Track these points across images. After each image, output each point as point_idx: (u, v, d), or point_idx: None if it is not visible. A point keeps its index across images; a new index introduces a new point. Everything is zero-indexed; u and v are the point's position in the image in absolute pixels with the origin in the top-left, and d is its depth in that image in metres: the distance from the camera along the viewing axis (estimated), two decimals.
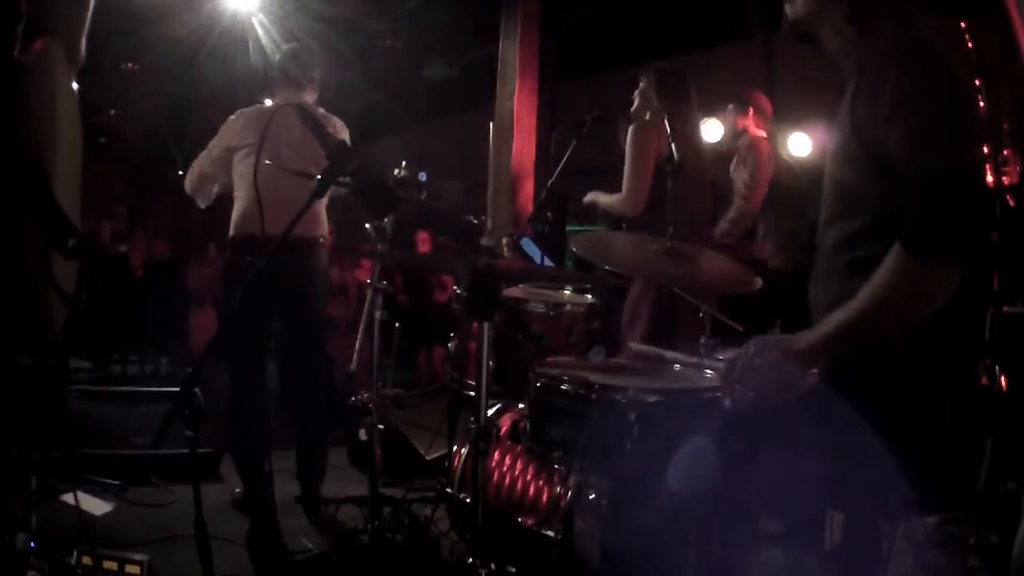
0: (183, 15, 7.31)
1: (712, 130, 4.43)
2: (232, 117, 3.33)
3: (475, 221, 3.98)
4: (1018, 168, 2.15)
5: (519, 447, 2.38)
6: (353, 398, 3.72)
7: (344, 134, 3.31)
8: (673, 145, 2.90)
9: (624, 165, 3.38)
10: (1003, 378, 1.62)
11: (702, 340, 2.39)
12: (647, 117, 3.38)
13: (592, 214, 3.97)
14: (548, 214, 4.42)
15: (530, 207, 5.79)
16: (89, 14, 1.88)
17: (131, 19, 7.03)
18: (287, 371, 3.45)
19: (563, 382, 2.11)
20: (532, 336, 2.74)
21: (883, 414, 1.37)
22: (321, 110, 3.39)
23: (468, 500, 2.39)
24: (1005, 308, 1.78)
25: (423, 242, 7.19)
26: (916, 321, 1.40)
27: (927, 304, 1.39)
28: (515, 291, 2.88)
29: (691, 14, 7.77)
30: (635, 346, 2.26)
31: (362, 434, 3.63)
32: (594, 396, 2.03)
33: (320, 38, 7.31)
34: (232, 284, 3.32)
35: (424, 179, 6.23)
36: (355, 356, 3.40)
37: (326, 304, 3.51)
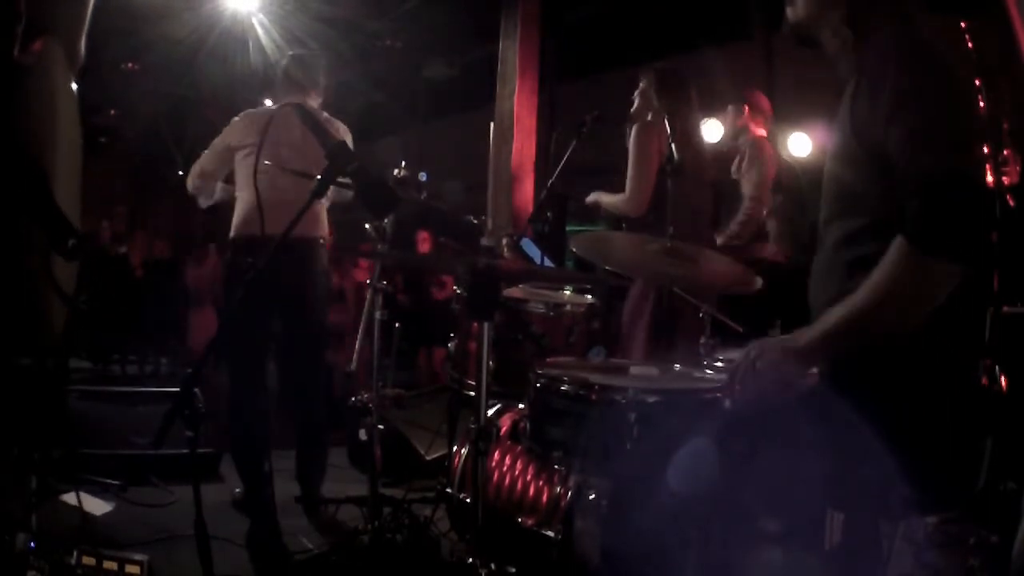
0: (183, 15, 7.31)
1: (712, 130, 4.42)
2: (236, 118, 3.34)
3: (475, 221, 3.98)
4: (1018, 168, 2.15)
5: (519, 447, 2.38)
6: (353, 398, 3.72)
7: (347, 139, 3.30)
8: (673, 145, 2.90)
9: (627, 166, 3.38)
10: (1003, 378, 1.62)
11: (702, 340, 2.40)
12: (648, 117, 3.38)
13: (595, 214, 3.97)
14: (548, 214, 4.41)
15: (530, 207, 5.79)
16: (89, 14, 1.88)
17: (131, 19, 7.03)
18: (287, 371, 3.45)
19: (563, 382, 2.11)
20: (532, 336, 2.74)
21: (883, 414, 1.37)
22: (325, 114, 3.39)
23: (468, 500, 2.39)
24: (1005, 308, 1.78)
25: (423, 242, 7.19)
26: (916, 318, 1.40)
27: (927, 301, 1.39)
28: (515, 291, 2.88)
29: (691, 14, 7.76)
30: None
31: (362, 434, 3.62)
32: (594, 396, 2.03)
33: (320, 38, 7.33)
34: (232, 285, 3.32)
35: (424, 179, 6.23)
36: (355, 356, 3.40)
37: (326, 305, 3.52)
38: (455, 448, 2.69)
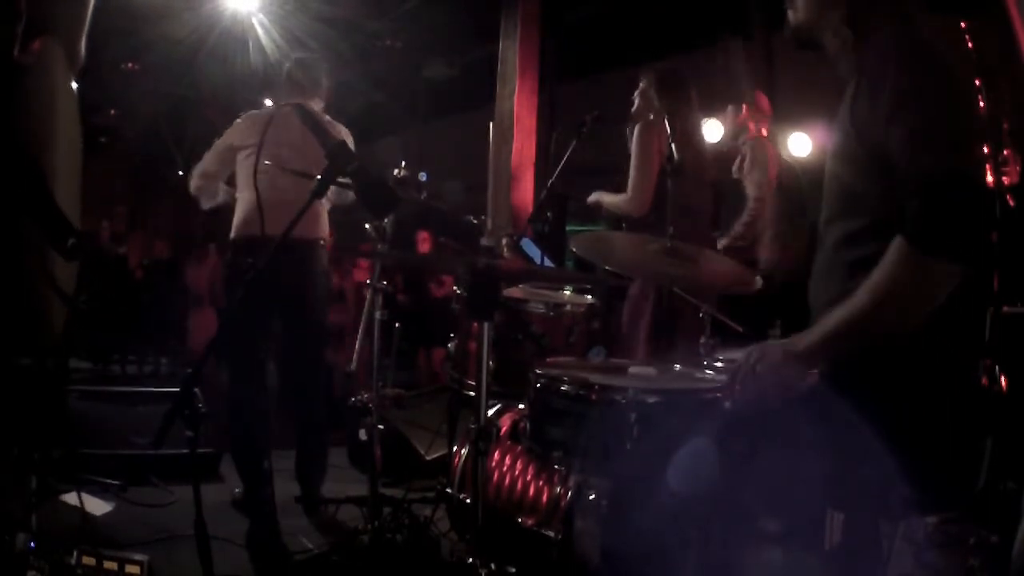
0: (183, 15, 7.31)
1: (712, 130, 4.42)
2: (238, 119, 3.36)
3: (475, 221, 3.98)
4: (1018, 168, 2.15)
5: (519, 447, 2.37)
6: (353, 398, 3.72)
7: (348, 141, 3.31)
8: (673, 145, 2.90)
9: (627, 165, 3.38)
10: (1003, 378, 1.62)
11: (702, 340, 2.40)
12: (650, 117, 3.38)
13: (595, 214, 3.97)
14: (548, 214, 4.41)
15: (530, 207, 5.79)
16: (89, 14, 1.88)
17: (131, 19, 7.03)
18: (287, 371, 3.45)
19: (563, 382, 2.11)
20: (532, 336, 2.74)
21: (883, 414, 1.37)
22: (327, 117, 3.40)
23: (468, 500, 2.39)
24: (1005, 308, 1.78)
25: (423, 242, 7.19)
26: (916, 318, 1.40)
27: (927, 301, 1.39)
28: (515, 291, 2.88)
29: (691, 14, 7.76)
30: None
31: (362, 434, 3.62)
32: (594, 396, 2.03)
33: (320, 38, 7.32)
34: (233, 285, 3.33)
35: (424, 179, 6.24)
36: (355, 356, 3.40)
37: (326, 305, 3.52)
38: (455, 448, 2.69)
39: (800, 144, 5.20)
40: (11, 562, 1.98)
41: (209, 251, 8.14)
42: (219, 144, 3.32)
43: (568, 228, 8.07)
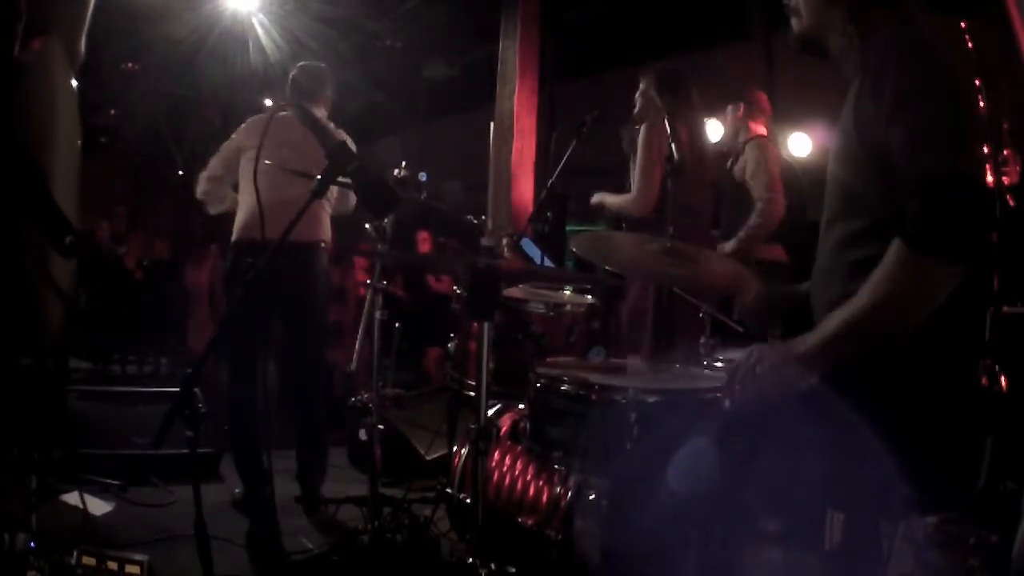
0: (183, 15, 7.31)
1: (712, 130, 4.42)
2: (243, 124, 3.37)
3: (475, 221, 3.98)
4: (1018, 168, 2.15)
5: (519, 447, 2.38)
6: (353, 398, 3.72)
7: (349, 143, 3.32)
8: (673, 145, 2.91)
9: (628, 167, 3.38)
10: (1003, 378, 1.62)
11: (702, 340, 2.40)
12: (654, 118, 3.39)
13: (597, 214, 3.96)
14: (548, 214, 4.41)
15: (530, 207, 5.78)
16: (89, 12, 1.88)
17: (131, 19, 7.03)
18: (287, 371, 3.45)
19: (563, 382, 2.11)
20: (532, 336, 2.74)
21: (883, 414, 1.37)
22: (331, 124, 3.40)
23: (468, 500, 2.39)
24: (1005, 308, 1.78)
25: (423, 242, 7.19)
26: (916, 319, 1.40)
27: (927, 303, 1.39)
28: (515, 291, 2.88)
29: (691, 14, 7.76)
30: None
31: (362, 434, 3.63)
32: (594, 396, 2.03)
33: (320, 38, 7.33)
34: (233, 286, 3.33)
35: (424, 179, 6.24)
36: (355, 356, 3.40)
37: (327, 306, 3.52)
38: (455, 448, 2.69)
39: (800, 144, 5.20)
40: (11, 562, 1.98)
41: (211, 251, 8.15)
42: (225, 147, 3.33)
43: (568, 228, 8.07)
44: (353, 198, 3.43)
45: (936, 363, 1.45)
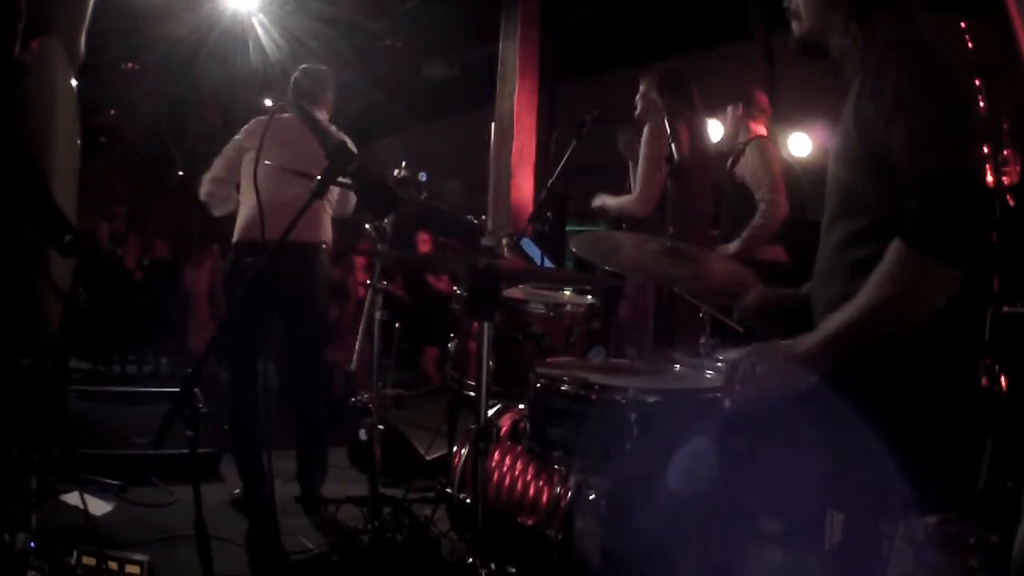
0: (183, 15, 7.31)
1: (713, 130, 4.41)
2: (246, 125, 3.39)
3: (475, 221, 3.98)
4: (1018, 168, 2.15)
5: (519, 447, 2.37)
6: (353, 398, 3.72)
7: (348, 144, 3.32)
8: (672, 145, 2.91)
9: (627, 167, 3.38)
10: (1003, 378, 1.62)
11: (702, 340, 2.39)
12: (655, 118, 3.39)
13: (600, 215, 3.95)
14: (548, 214, 4.41)
15: (530, 207, 5.78)
16: (89, 11, 1.88)
17: (131, 19, 7.03)
18: (287, 371, 3.46)
19: (563, 382, 2.11)
20: (532, 336, 2.74)
21: (883, 414, 1.37)
22: (333, 128, 3.41)
23: (468, 500, 2.39)
24: (1005, 308, 1.78)
25: (423, 244, 7.19)
26: (916, 319, 1.40)
27: (927, 302, 1.39)
28: (515, 291, 2.88)
29: (691, 14, 7.76)
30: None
31: (362, 434, 3.63)
32: (594, 396, 2.03)
33: (320, 38, 7.33)
34: (233, 287, 3.33)
35: (424, 179, 6.24)
36: (355, 356, 3.41)
37: (327, 307, 3.53)
38: (455, 448, 2.69)
39: (800, 144, 5.20)
40: (11, 562, 1.98)
41: (211, 251, 8.16)
42: (228, 148, 3.34)
43: (568, 228, 8.07)
44: (353, 200, 3.43)
45: (936, 363, 1.45)
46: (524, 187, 5.98)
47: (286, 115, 3.15)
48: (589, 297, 2.97)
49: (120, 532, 2.89)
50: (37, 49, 1.68)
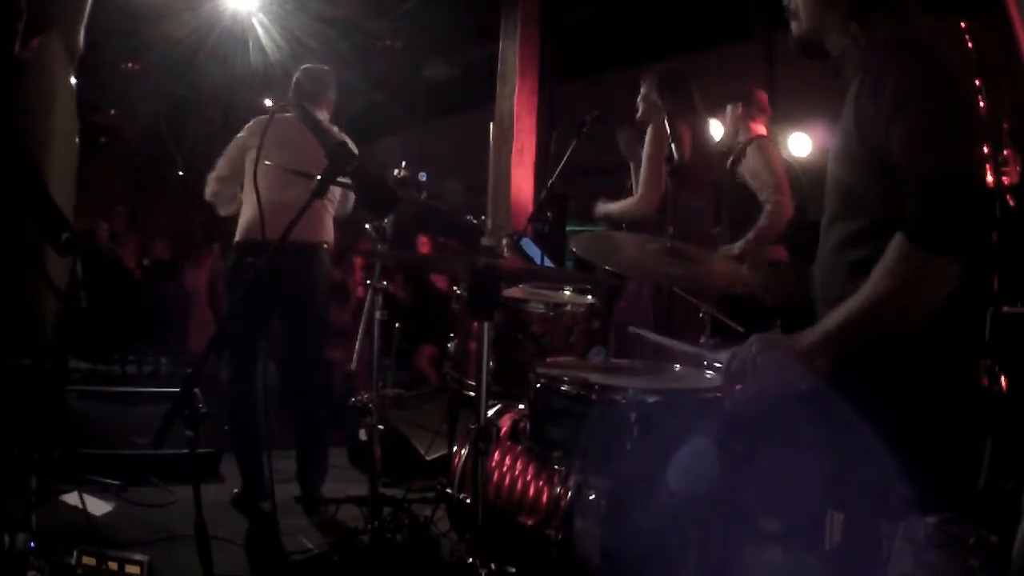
0: (183, 15, 7.31)
1: (713, 130, 4.40)
2: (249, 123, 3.39)
3: (475, 221, 3.98)
4: (1018, 168, 2.15)
5: (519, 447, 2.37)
6: (353, 398, 3.72)
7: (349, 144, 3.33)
8: (673, 145, 2.91)
9: (628, 168, 3.38)
10: (1003, 378, 1.62)
11: (702, 340, 2.40)
12: (657, 119, 3.39)
13: (609, 221, 3.94)
14: (548, 214, 4.41)
15: (530, 207, 5.78)
16: (88, 7, 1.88)
17: (131, 19, 7.03)
18: (287, 371, 3.46)
19: (563, 382, 2.11)
20: (532, 336, 2.74)
21: (883, 414, 1.37)
22: (335, 128, 3.41)
23: (468, 500, 2.39)
24: (1005, 308, 1.78)
25: (423, 246, 7.18)
26: (917, 314, 1.40)
27: (927, 297, 1.39)
28: (515, 291, 2.88)
29: (691, 14, 7.76)
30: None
31: (362, 434, 3.63)
32: (594, 396, 2.03)
33: (320, 38, 7.33)
34: (234, 286, 3.34)
35: (424, 179, 6.23)
36: (355, 356, 3.41)
37: (327, 306, 3.52)
38: (455, 448, 2.69)
39: (800, 144, 5.20)
40: (11, 562, 1.98)
41: (211, 251, 8.16)
42: (231, 147, 3.34)
43: (568, 228, 8.07)
44: (352, 199, 3.43)
45: (936, 363, 1.45)
46: (524, 187, 5.98)
47: (287, 114, 3.16)
48: (589, 297, 2.97)
49: (120, 532, 2.89)
50: (37, 48, 1.68)
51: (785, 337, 1.54)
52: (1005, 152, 2.14)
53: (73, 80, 1.88)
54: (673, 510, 1.63)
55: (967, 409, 1.46)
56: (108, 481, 3.29)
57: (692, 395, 2.11)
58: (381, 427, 3.04)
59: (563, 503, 2.12)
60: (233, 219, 3.33)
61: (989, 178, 1.48)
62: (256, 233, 2.91)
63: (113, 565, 2.18)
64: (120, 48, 8.33)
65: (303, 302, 3.25)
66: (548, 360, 2.41)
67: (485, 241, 3.96)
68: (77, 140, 1.96)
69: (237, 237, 3.23)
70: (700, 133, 3.52)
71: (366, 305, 3.20)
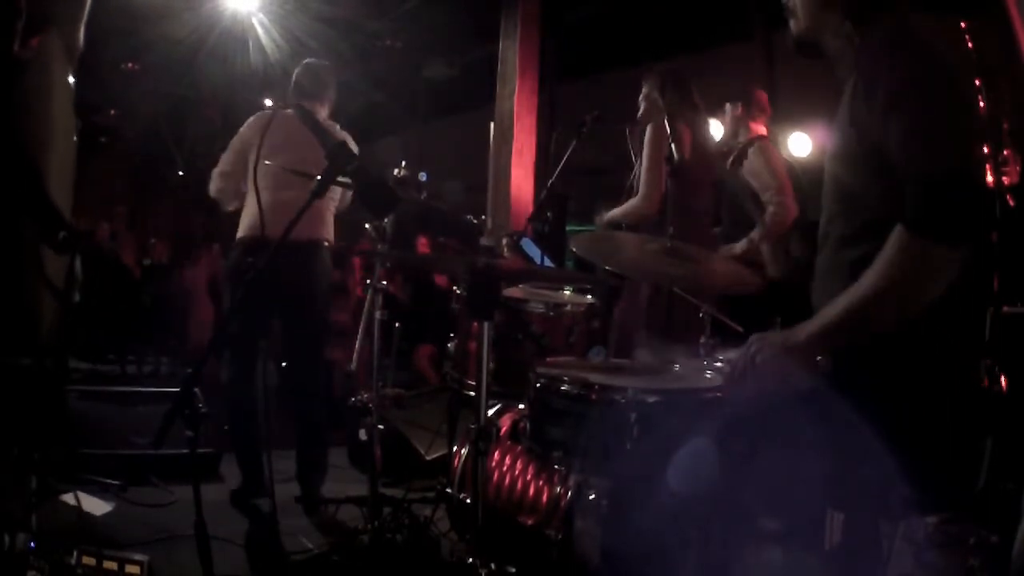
0: (183, 15, 7.32)
1: (713, 130, 4.40)
2: (250, 119, 3.38)
3: (475, 221, 3.98)
4: (1018, 168, 2.15)
5: (519, 447, 2.37)
6: (353, 398, 3.72)
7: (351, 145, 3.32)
8: (672, 145, 2.91)
9: (631, 168, 3.38)
10: (1003, 378, 1.62)
11: (702, 340, 2.40)
12: (657, 119, 3.40)
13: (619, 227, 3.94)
14: (548, 214, 4.41)
15: (530, 207, 5.79)
16: (88, 6, 1.88)
17: (131, 19, 7.04)
18: (287, 372, 3.46)
19: (563, 382, 2.11)
20: (532, 336, 2.74)
21: (883, 414, 1.37)
22: (336, 126, 3.41)
23: (468, 500, 2.39)
24: (1005, 308, 1.78)
25: (422, 247, 7.18)
26: (916, 306, 1.40)
27: (927, 288, 1.38)
28: (515, 291, 2.88)
29: (691, 14, 7.76)
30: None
31: (362, 434, 3.62)
32: (594, 396, 2.03)
33: (320, 38, 7.33)
34: (235, 285, 3.33)
35: (424, 179, 6.23)
36: (355, 356, 3.40)
37: (327, 306, 3.52)
38: (455, 448, 2.69)
39: (800, 144, 5.20)
40: (11, 562, 1.98)
41: (213, 250, 8.15)
42: (234, 141, 3.35)
43: (568, 228, 8.07)
44: (350, 193, 3.43)
45: (936, 363, 1.45)
46: (524, 187, 5.98)
47: (287, 112, 3.15)
48: (589, 297, 2.97)
49: (120, 532, 2.89)
50: (36, 47, 1.68)
51: (783, 332, 1.53)
52: (1005, 152, 2.13)
53: (72, 80, 1.88)
54: (673, 510, 1.63)
55: (967, 409, 1.46)
56: (108, 481, 3.30)
57: (692, 395, 2.10)
58: (381, 427, 3.04)
59: (563, 503, 2.12)
60: (232, 218, 3.33)
61: (989, 178, 1.47)
62: (257, 231, 2.91)
63: (113, 565, 2.18)
64: (120, 48, 8.33)
65: (303, 302, 3.25)
66: (548, 360, 2.40)
67: (485, 241, 3.96)
68: (76, 139, 1.96)
69: (239, 234, 3.23)
70: (700, 133, 3.52)
71: (366, 305, 3.20)
